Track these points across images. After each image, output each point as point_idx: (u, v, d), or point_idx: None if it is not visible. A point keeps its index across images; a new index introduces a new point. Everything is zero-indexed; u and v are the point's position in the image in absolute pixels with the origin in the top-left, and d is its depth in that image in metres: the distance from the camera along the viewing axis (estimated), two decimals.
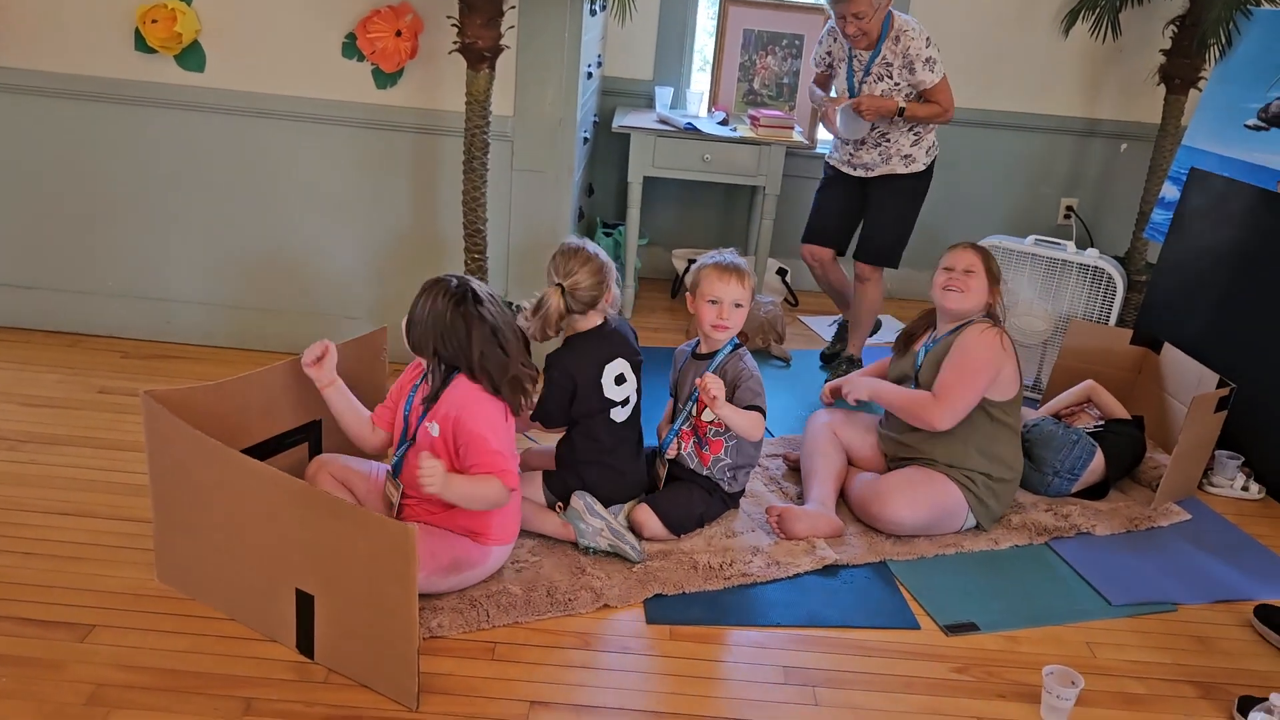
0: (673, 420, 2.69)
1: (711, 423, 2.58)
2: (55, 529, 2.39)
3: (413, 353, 2.28)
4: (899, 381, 2.81)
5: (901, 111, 3.33)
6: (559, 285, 2.43)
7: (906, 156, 3.44)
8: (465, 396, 2.20)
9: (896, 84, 3.32)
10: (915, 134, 3.43)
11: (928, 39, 3.28)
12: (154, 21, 3.05)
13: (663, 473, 2.64)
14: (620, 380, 2.52)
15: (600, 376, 2.49)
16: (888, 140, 3.42)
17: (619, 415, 2.54)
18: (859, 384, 2.84)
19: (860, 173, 3.50)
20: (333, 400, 2.36)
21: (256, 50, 3.16)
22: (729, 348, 2.61)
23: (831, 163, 3.60)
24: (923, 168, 3.46)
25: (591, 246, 2.49)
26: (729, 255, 2.63)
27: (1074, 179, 4.52)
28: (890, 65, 3.30)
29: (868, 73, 3.34)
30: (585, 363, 2.50)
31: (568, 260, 2.45)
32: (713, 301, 2.56)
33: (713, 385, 2.43)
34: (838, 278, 3.71)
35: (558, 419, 2.54)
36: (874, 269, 3.57)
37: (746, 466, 2.64)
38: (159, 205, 3.33)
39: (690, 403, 2.61)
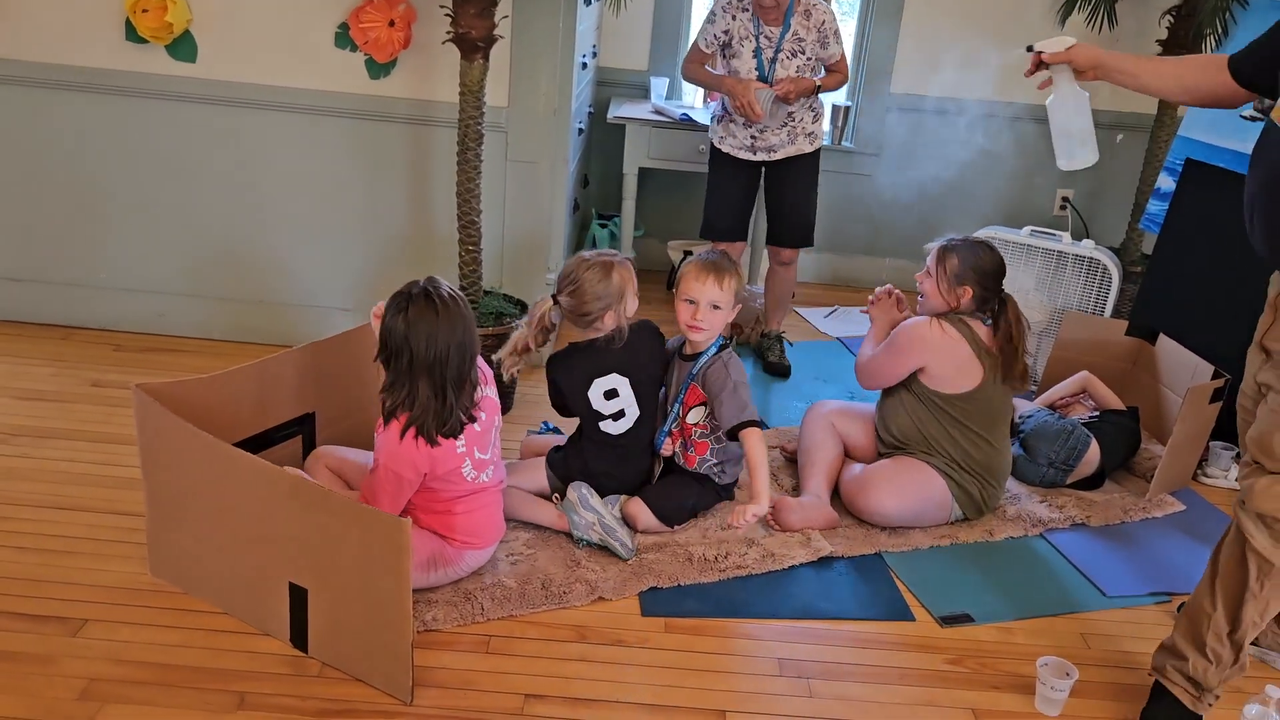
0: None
1: (696, 424, 2.57)
2: (48, 523, 2.38)
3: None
4: None
5: (818, 89, 3.32)
6: (553, 296, 2.48)
7: (810, 134, 3.40)
8: (381, 435, 2.14)
9: (808, 59, 3.28)
10: (814, 110, 3.40)
11: (831, 8, 3.29)
12: (144, 11, 3.02)
13: (658, 468, 2.64)
14: (611, 395, 2.52)
15: (587, 389, 2.51)
16: (792, 119, 3.35)
17: (610, 427, 2.54)
18: (883, 311, 2.85)
19: (762, 156, 3.40)
20: None
21: (248, 40, 3.14)
22: (713, 349, 2.55)
23: (726, 150, 3.42)
24: (822, 143, 3.45)
25: (596, 272, 2.42)
26: (716, 253, 2.60)
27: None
28: (802, 41, 3.26)
29: (779, 50, 3.26)
30: (573, 373, 2.53)
31: (570, 273, 2.45)
32: (689, 301, 2.52)
33: (739, 518, 2.34)
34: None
35: (561, 413, 2.62)
36: (795, 251, 3.56)
37: (734, 460, 2.64)
38: (151, 197, 3.31)
39: (677, 404, 2.59)
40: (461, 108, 2.88)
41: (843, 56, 3.36)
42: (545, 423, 2.98)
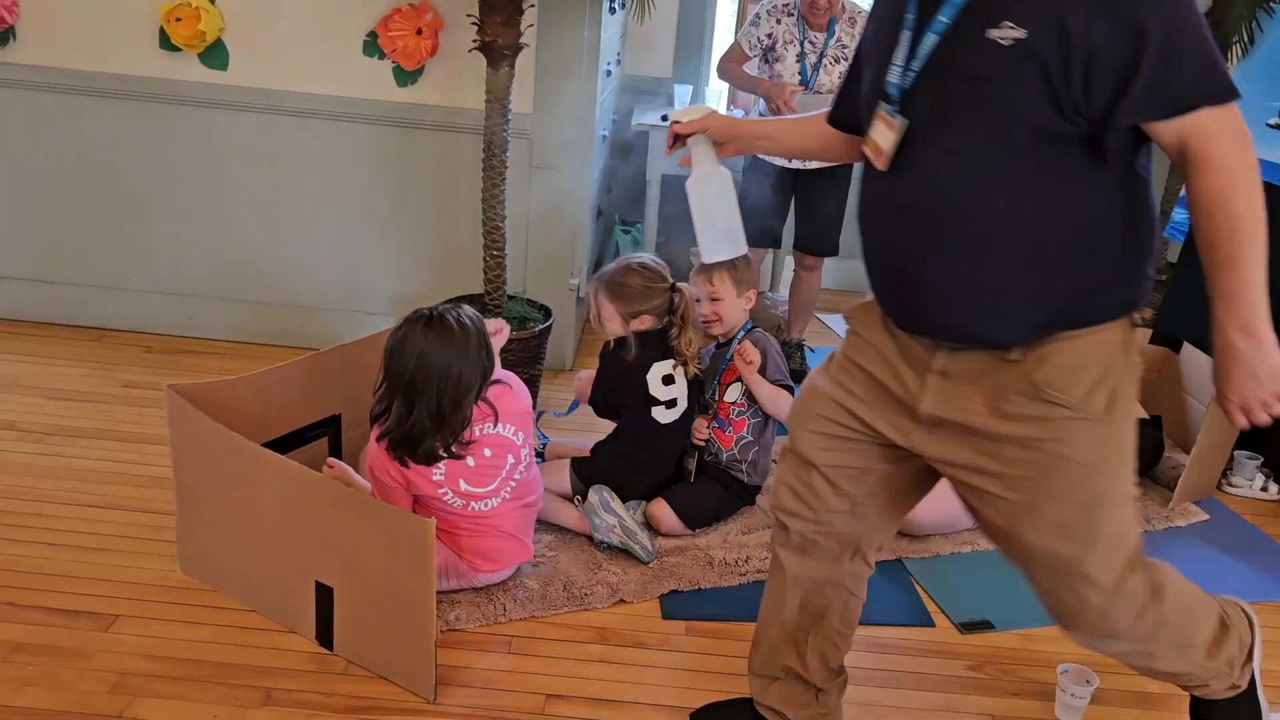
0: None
1: (734, 403, 2.62)
2: (80, 520, 2.43)
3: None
4: None
5: None
6: (675, 284, 2.62)
7: None
8: (370, 457, 2.20)
9: (840, 62, 3.30)
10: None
11: None
12: (178, 20, 3.09)
13: (692, 465, 2.68)
14: (669, 380, 2.58)
15: (645, 374, 2.56)
16: None
17: (662, 415, 2.58)
18: None
19: (798, 164, 3.43)
20: None
21: (279, 48, 3.19)
22: (743, 331, 2.68)
23: (763, 156, 3.44)
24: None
25: (626, 277, 2.60)
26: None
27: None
28: (846, 48, 3.28)
29: (823, 55, 3.28)
30: (629, 361, 2.57)
31: (657, 265, 2.64)
32: (697, 300, 2.68)
33: (749, 351, 2.56)
34: None
35: (603, 409, 2.65)
36: (820, 259, 3.59)
37: (765, 449, 2.66)
38: (182, 202, 3.37)
39: (715, 384, 2.65)
40: (487, 115, 2.92)
41: None
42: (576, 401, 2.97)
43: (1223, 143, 1.34)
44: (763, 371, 2.60)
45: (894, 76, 1.47)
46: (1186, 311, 3.40)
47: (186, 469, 2.21)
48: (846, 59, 3.30)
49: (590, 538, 2.48)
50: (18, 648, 2.00)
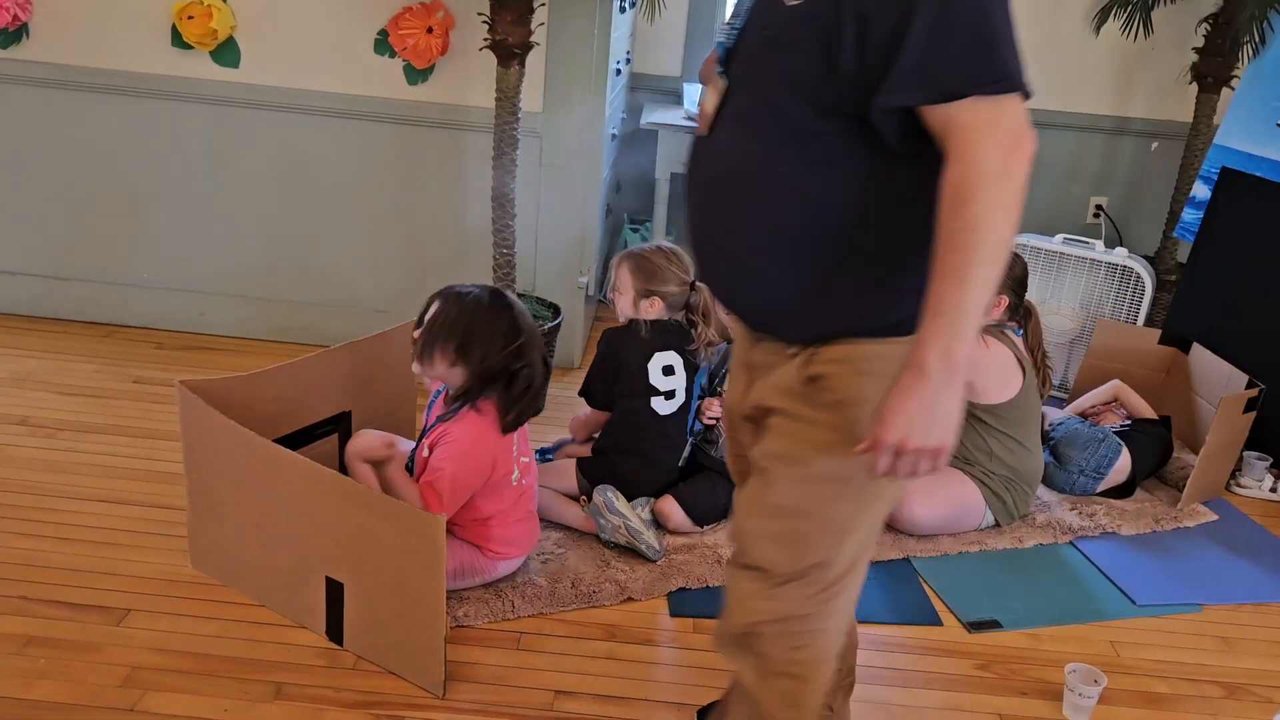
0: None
1: None
2: (91, 515, 2.44)
3: (423, 363, 2.20)
4: None
5: None
6: (694, 283, 2.61)
7: None
8: (467, 428, 2.18)
9: None
10: None
11: None
12: (190, 18, 3.10)
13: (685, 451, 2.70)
14: (668, 371, 2.58)
15: (647, 361, 2.57)
16: None
17: (661, 406, 2.58)
18: None
19: None
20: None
21: (290, 46, 3.20)
22: None
23: None
24: None
25: (652, 254, 2.63)
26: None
27: (1103, 177, 4.49)
28: None
29: None
30: (635, 345, 2.58)
31: (681, 257, 2.63)
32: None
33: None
34: None
35: (599, 397, 2.63)
36: None
37: None
38: (193, 199, 3.38)
39: (725, 369, 2.67)
40: (497, 113, 2.92)
41: None
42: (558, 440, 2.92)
43: (981, 138, 1.15)
44: None
45: (722, 36, 1.37)
46: (1195, 312, 3.40)
47: (197, 464, 2.22)
48: None
49: (598, 537, 2.49)
50: (30, 641, 2.01)
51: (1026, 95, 1.20)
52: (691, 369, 2.64)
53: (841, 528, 1.40)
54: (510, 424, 2.19)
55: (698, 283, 2.60)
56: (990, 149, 1.16)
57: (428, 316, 2.20)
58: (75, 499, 2.50)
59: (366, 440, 2.25)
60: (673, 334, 2.62)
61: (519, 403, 2.19)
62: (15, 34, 3.20)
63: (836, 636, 1.50)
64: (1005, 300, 2.67)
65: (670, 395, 2.59)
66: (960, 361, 1.18)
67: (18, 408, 2.90)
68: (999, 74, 1.17)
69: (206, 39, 3.12)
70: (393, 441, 2.25)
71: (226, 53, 3.20)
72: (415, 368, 2.22)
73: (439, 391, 2.32)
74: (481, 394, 2.17)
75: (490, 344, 2.15)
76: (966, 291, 1.17)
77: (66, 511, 2.45)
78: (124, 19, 3.18)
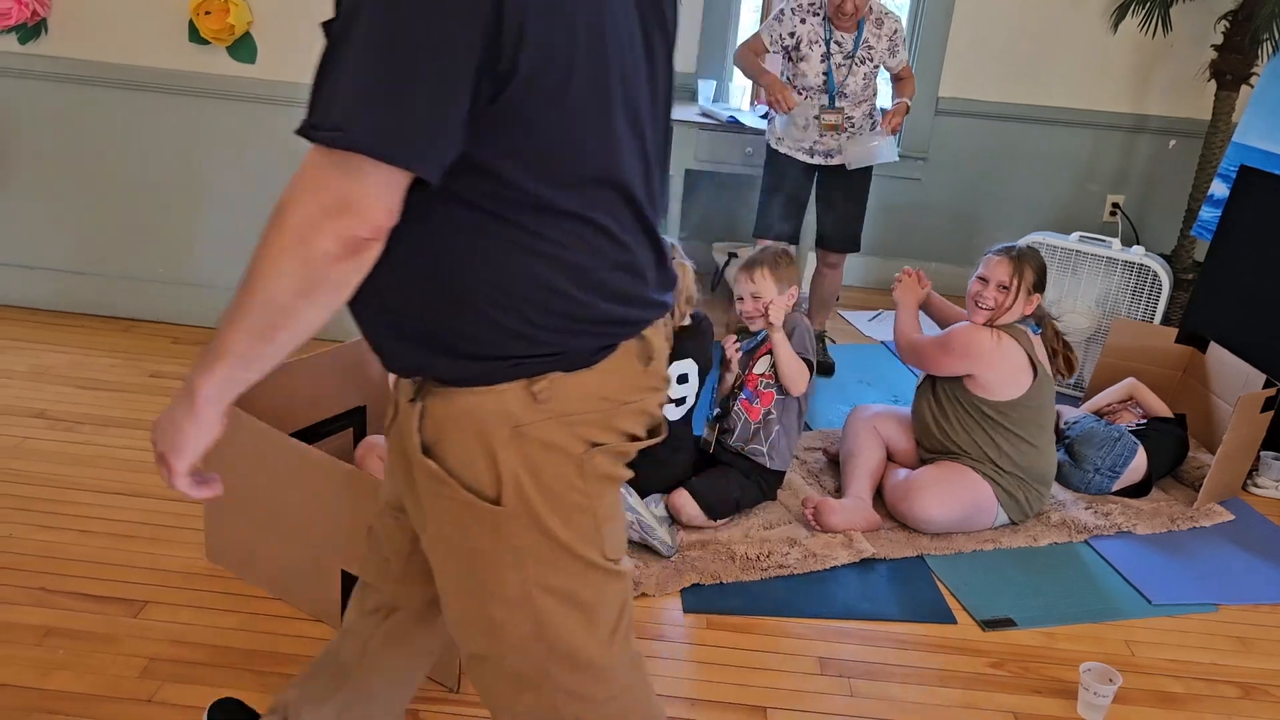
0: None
1: (763, 374, 2.65)
2: (110, 508, 2.46)
3: None
4: None
5: (908, 108, 3.36)
6: (686, 265, 2.53)
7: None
8: None
9: (875, 66, 3.29)
10: (873, 118, 3.41)
11: (899, 17, 3.31)
12: (207, 13, 3.11)
13: (712, 436, 2.70)
14: (683, 380, 2.57)
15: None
16: (852, 122, 3.36)
17: (672, 413, 2.57)
18: (908, 292, 2.91)
19: (819, 160, 3.41)
20: None
21: (306, 41, 3.20)
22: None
23: (784, 151, 3.43)
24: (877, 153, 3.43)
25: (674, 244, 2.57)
26: (756, 250, 2.73)
27: (1121, 175, 4.48)
28: (873, 49, 3.26)
29: (850, 57, 3.25)
30: None
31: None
32: (739, 298, 2.70)
33: (774, 313, 2.57)
34: None
35: None
36: (843, 255, 3.58)
37: (789, 432, 2.67)
38: (210, 194, 3.40)
39: (748, 361, 2.68)
40: None
41: (907, 63, 3.41)
42: None
43: (300, 188, 1.05)
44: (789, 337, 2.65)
45: None
46: (1213, 311, 3.38)
47: (214, 458, 2.22)
48: (873, 60, 3.28)
49: None
50: (50, 632, 2.03)
51: (403, 166, 1.00)
52: (705, 371, 2.64)
53: (518, 595, 1.22)
54: None
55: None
56: (303, 204, 1.04)
57: None
58: (95, 492, 2.52)
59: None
60: (690, 339, 2.59)
61: None
62: (34, 29, 3.23)
63: None
64: (1038, 298, 2.67)
65: (680, 402, 2.59)
66: (199, 393, 1.12)
67: (38, 401, 2.93)
68: (337, 125, 1.00)
69: (224, 34, 3.14)
70: None
71: (243, 48, 3.22)
72: None
73: None
74: None
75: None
76: (223, 332, 1.11)
77: (86, 504, 2.47)
78: (142, 14, 3.20)
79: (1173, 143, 4.38)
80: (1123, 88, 4.33)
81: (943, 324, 2.92)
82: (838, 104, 3.31)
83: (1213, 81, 4.01)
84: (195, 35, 3.19)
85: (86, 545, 2.31)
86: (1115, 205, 4.50)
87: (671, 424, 2.58)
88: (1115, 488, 2.89)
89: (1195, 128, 4.24)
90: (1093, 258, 3.56)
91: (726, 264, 4.41)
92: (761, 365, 2.67)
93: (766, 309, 2.61)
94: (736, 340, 2.75)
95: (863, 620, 2.32)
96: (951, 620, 2.35)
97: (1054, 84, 4.33)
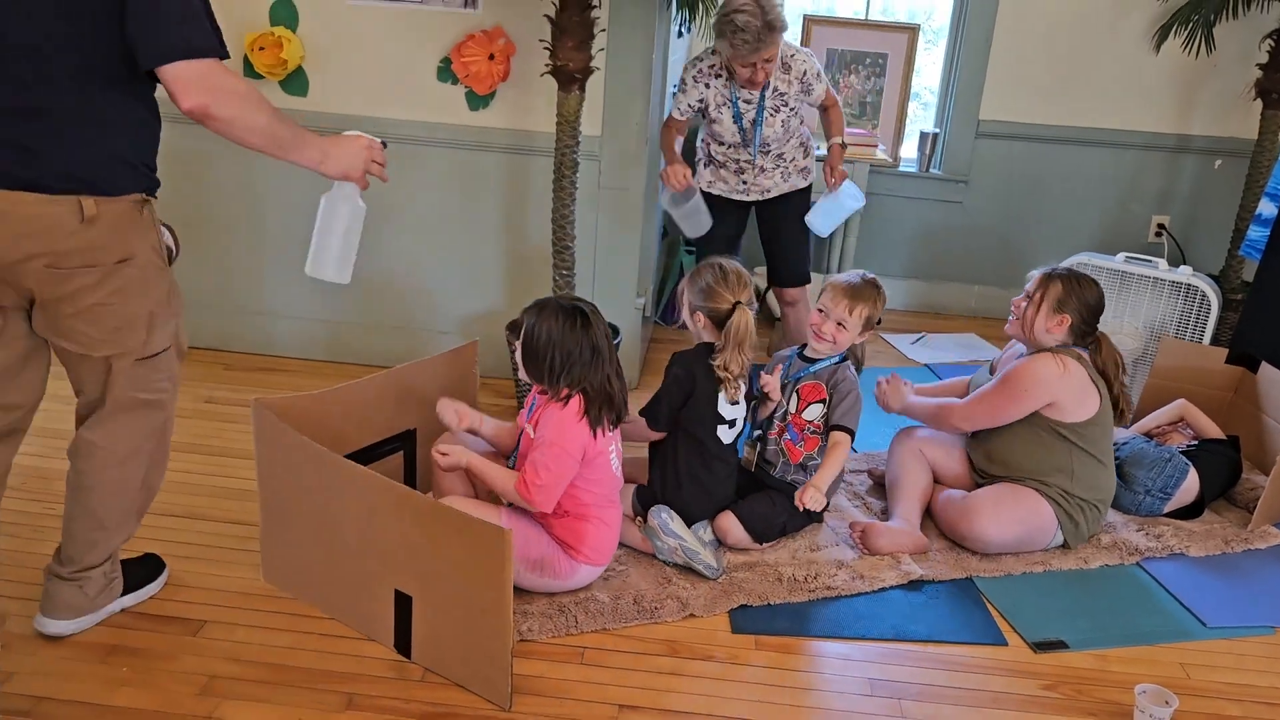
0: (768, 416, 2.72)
1: (811, 422, 2.64)
2: (169, 530, 2.51)
3: (525, 370, 2.29)
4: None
5: (844, 145, 3.33)
6: (738, 303, 2.49)
7: (803, 169, 3.37)
8: (557, 412, 2.24)
9: (792, 109, 3.23)
10: (804, 146, 3.37)
11: (807, 53, 3.24)
12: (261, 49, 3.20)
13: (753, 456, 2.71)
14: (734, 401, 2.56)
15: (719, 389, 2.53)
16: (783, 158, 3.32)
17: (725, 434, 2.57)
18: (896, 395, 2.88)
19: (756, 196, 3.37)
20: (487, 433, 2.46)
21: (357, 75, 3.30)
22: (836, 359, 2.68)
23: (716, 193, 3.37)
24: (813, 176, 3.39)
25: (733, 266, 2.57)
26: (860, 276, 2.69)
27: (1166, 196, 4.44)
28: (784, 94, 3.20)
29: (761, 109, 3.20)
30: (709, 372, 2.51)
31: (737, 278, 2.53)
32: (820, 310, 2.66)
33: (811, 502, 2.50)
34: None
35: (664, 420, 2.54)
36: (800, 290, 3.52)
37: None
38: (261, 223, 3.47)
39: (794, 397, 2.66)
40: (558, 137, 2.98)
41: (828, 90, 3.31)
42: None
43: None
44: (833, 408, 2.61)
45: None
46: (1263, 331, 3.33)
47: (271, 480, 2.28)
48: (786, 105, 3.21)
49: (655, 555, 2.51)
50: (113, 650, 2.08)
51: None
52: (750, 397, 2.63)
53: None
54: (594, 420, 2.25)
55: (741, 303, 2.51)
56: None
57: (522, 332, 2.27)
58: (154, 514, 2.55)
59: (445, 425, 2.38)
60: None
61: (600, 403, 2.26)
62: None
63: None
64: (1068, 320, 2.65)
65: (733, 424, 2.59)
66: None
67: None
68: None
69: (277, 69, 3.23)
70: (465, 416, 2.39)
71: (295, 82, 3.31)
72: (521, 375, 2.35)
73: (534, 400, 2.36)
74: (571, 394, 2.25)
75: (570, 361, 2.23)
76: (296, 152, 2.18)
77: (146, 527, 2.49)
78: None
79: (1218, 162, 4.35)
80: (1165, 108, 4.31)
81: (935, 412, 2.83)
82: (758, 159, 3.28)
83: (1258, 100, 3.98)
84: (250, 70, 3.28)
85: None
86: (1161, 226, 4.46)
87: (725, 446, 2.59)
88: (1167, 509, 2.85)
89: (1242, 147, 4.20)
90: (1139, 278, 3.54)
91: (767, 290, 4.43)
92: (812, 413, 2.64)
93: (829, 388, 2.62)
94: (780, 369, 2.73)
95: (912, 642, 2.31)
96: (1003, 642, 2.33)
97: (1095, 105, 4.31)
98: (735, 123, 3.22)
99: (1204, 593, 2.55)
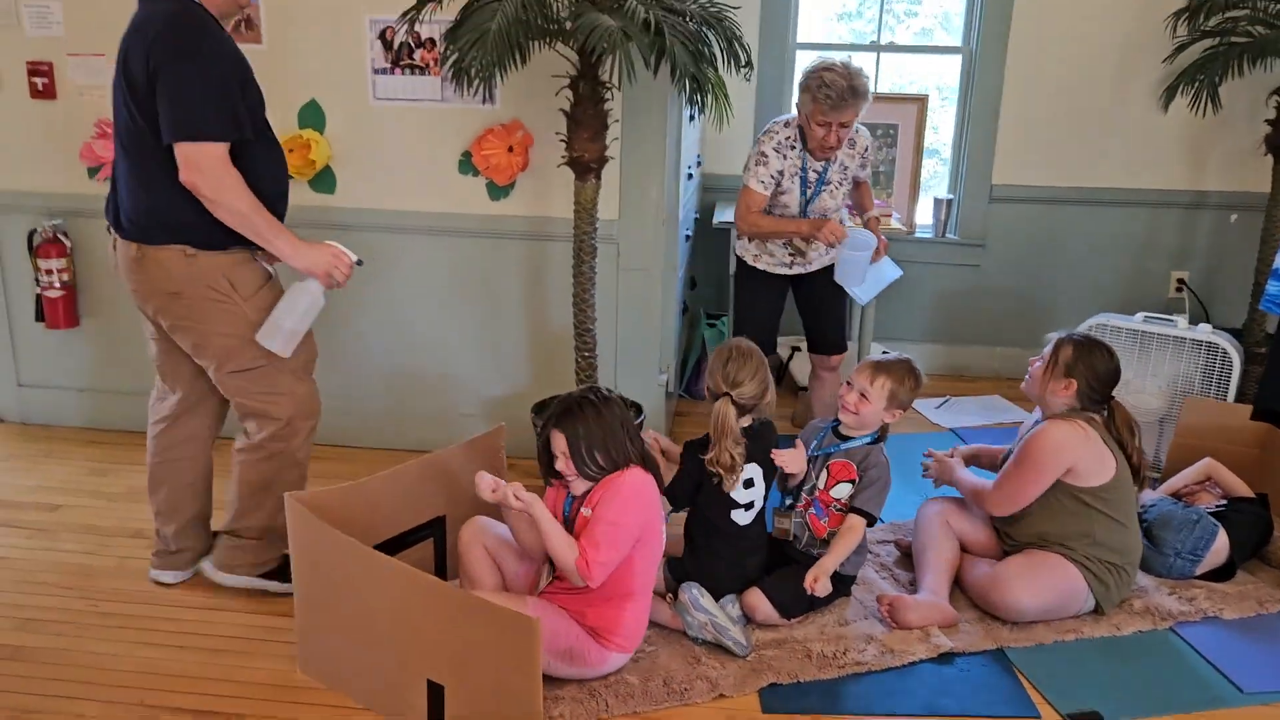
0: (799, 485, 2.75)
1: (838, 499, 2.66)
2: (204, 622, 2.57)
3: (581, 470, 2.34)
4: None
5: (879, 219, 3.47)
6: (726, 394, 2.53)
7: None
8: (623, 486, 2.31)
9: (843, 183, 3.35)
10: (842, 218, 3.46)
11: (866, 130, 3.36)
12: (291, 151, 3.33)
13: (786, 524, 2.73)
14: (749, 484, 2.59)
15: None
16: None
17: (740, 517, 2.60)
18: (946, 469, 2.94)
19: (799, 269, 3.46)
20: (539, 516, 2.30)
21: (381, 171, 3.42)
22: (869, 438, 2.71)
23: (762, 267, 3.50)
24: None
25: (749, 347, 2.60)
26: (890, 355, 2.76)
27: (1184, 252, 4.46)
28: (846, 168, 3.33)
29: (825, 181, 3.31)
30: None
31: (737, 367, 2.55)
32: (848, 383, 2.72)
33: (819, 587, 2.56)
34: None
35: (682, 501, 2.64)
36: (840, 356, 3.61)
37: (859, 550, 2.68)
38: None
39: (823, 472, 2.69)
40: (576, 224, 3.07)
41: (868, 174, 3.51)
42: None
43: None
44: (859, 490, 2.64)
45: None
46: None
47: (306, 572, 2.33)
48: (847, 179, 3.36)
49: (685, 633, 2.52)
50: None
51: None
52: (770, 475, 2.66)
53: None
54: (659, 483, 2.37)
55: (720, 396, 2.53)
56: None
57: (564, 448, 2.32)
58: (190, 608, 2.63)
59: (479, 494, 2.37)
60: (754, 443, 2.60)
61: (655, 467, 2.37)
62: (95, 169, 3.48)
63: None
64: (1075, 385, 2.68)
65: (749, 506, 2.62)
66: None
67: (134, 521, 3.07)
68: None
69: (306, 169, 3.35)
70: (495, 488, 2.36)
71: (324, 180, 3.43)
72: (578, 487, 2.37)
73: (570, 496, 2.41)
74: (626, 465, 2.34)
75: (619, 437, 2.33)
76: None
77: (182, 620, 2.58)
78: None
79: (1234, 217, 4.37)
80: (1177, 165, 4.35)
81: (992, 464, 2.94)
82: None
83: (1269, 155, 4.02)
84: None
85: (183, 660, 2.42)
86: (1181, 281, 4.48)
87: (743, 527, 2.62)
88: (1198, 571, 2.83)
89: (1256, 201, 4.22)
90: (1160, 337, 3.55)
91: (790, 358, 4.48)
92: (840, 491, 2.67)
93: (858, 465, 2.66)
94: (811, 442, 2.77)
95: (944, 717, 2.30)
96: (1035, 714, 2.31)
97: (1106, 165, 4.36)
98: (801, 193, 3.33)
99: (1239, 657, 2.52)
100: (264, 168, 2.41)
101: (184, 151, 2.24)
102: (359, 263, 2.58)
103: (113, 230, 2.45)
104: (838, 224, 3.32)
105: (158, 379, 2.68)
